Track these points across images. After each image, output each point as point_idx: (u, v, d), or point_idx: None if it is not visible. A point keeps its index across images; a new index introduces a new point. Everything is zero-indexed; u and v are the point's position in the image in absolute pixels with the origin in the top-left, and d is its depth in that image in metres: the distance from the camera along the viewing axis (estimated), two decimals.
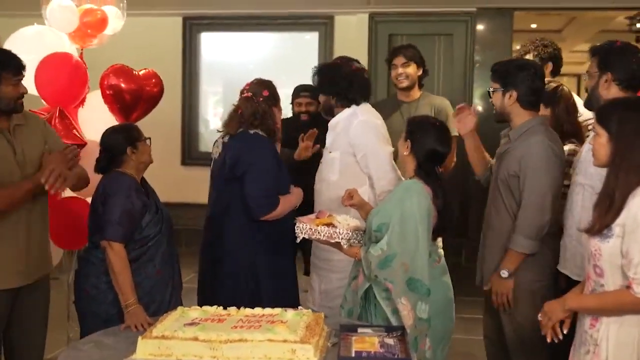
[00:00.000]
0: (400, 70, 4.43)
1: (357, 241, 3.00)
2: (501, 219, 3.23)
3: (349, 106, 3.64)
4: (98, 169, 3.23)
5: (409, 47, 4.52)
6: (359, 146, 3.57)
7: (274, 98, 3.48)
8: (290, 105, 4.86)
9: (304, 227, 3.00)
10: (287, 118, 4.58)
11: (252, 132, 3.40)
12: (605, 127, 2.40)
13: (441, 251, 3.22)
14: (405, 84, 4.44)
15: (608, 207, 2.33)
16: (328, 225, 2.99)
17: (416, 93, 4.51)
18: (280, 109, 3.52)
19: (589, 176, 3.01)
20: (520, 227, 3.11)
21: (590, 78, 3.06)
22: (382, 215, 2.90)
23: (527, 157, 3.10)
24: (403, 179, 3.21)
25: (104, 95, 4.12)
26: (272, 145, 3.44)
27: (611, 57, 3.01)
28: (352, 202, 3.21)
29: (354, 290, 3.04)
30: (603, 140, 2.41)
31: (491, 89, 3.26)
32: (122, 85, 4.08)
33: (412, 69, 4.42)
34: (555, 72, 4.34)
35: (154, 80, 4.25)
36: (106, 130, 3.29)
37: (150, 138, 3.29)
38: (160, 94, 4.29)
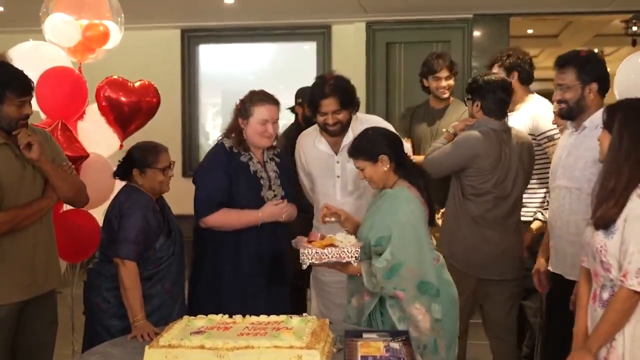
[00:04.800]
0: (444, 83, 4.53)
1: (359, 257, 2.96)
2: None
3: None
4: (114, 173, 3.30)
5: (445, 56, 4.61)
6: None
7: (244, 109, 3.40)
8: (291, 113, 4.93)
9: (310, 252, 2.88)
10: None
11: (219, 140, 3.50)
12: (609, 126, 2.49)
13: (436, 252, 3.19)
14: (446, 94, 4.57)
15: (615, 202, 2.39)
16: (330, 246, 2.91)
17: (448, 99, 4.62)
18: (247, 122, 3.39)
19: (575, 179, 3.14)
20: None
21: (570, 90, 3.16)
22: (378, 229, 2.91)
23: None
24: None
25: (99, 107, 4.15)
26: (222, 154, 3.43)
27: (592, 66, 3.15)
28: (335, 218, 3.17)
29: (357, 307, 3.03)
30: (605, 133, 2.51)
31: (466, 99, 3.80)
32: (117, 96, 4.12)
33: (452, 81, 4.55)
34: (525, 79, 4.23)
35: (149, 91, 4.27)
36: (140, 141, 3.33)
37: (172, 165, 3.29)
38: (157, 104, 4.30)
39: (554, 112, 3.42)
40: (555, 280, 3.30)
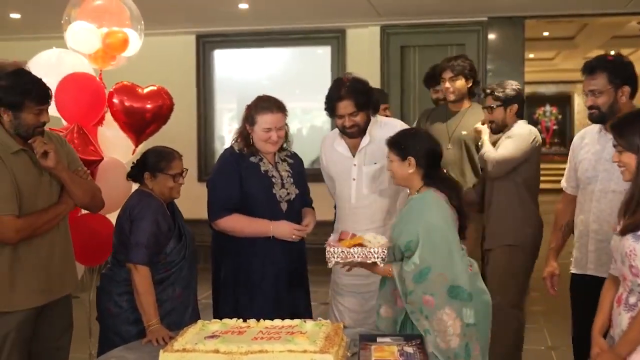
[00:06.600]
0: (448, 84, 4.47)
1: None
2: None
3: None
4: (128, 175, 3.33)
5: (458, 59, 4.54)
6: None
7: (250, 116, 3.42)
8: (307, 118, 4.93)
9: (336, 251, 2.84)
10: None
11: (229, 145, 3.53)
12: (630, 145, 2.48)
13: (468, 258, 3.07)
14: (452, 97, 4.49)
15: None
16: (358, 245, 2.86)
17: (466, 104, 4.53)
18: (253, 129, 3.40)
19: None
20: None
21: (602, 95, 3.11)
22: (407, 234, 2.86)
23: None
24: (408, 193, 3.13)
25: (111, 113, 4.16)
26: (232, 157, 3.44)
27: (623, 69, 3.11)
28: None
29: (385, 317, 2.99)
30: (629, 154, 2.48)
31: (494, 105, 4.05)
32: (128, 102, 4.13)
33: (459, 83, 4.45)
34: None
35: (160, 96, 4.25)
36: (156, 146, 3.36)
37: (184, 173, 3.29)
38: (169, 109, 4.29)
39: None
40: (596, 284, 3.08)
